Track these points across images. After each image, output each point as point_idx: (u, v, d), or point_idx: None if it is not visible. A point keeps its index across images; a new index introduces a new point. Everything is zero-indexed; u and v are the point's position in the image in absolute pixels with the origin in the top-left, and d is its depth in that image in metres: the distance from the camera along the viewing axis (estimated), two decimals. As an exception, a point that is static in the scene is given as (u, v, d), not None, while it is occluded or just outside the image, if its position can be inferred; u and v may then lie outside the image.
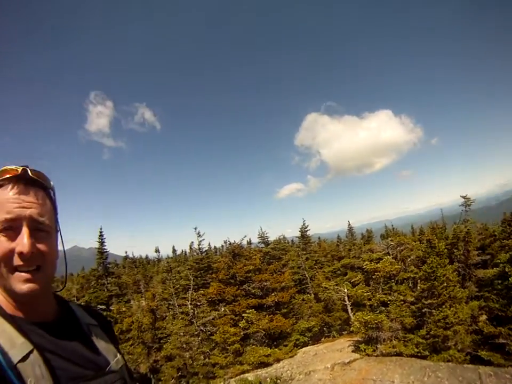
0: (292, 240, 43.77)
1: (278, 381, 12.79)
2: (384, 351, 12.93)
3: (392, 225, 53.36)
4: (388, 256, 19.50)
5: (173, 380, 17.22)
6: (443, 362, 11.53)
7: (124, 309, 24.55)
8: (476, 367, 10.74)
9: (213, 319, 20.15)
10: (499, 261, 15.68)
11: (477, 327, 14.36)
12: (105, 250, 27.94)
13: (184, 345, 18.41)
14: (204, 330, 20.09)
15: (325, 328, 19.67)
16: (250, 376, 14.21)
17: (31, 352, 1.06)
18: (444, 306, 12.84)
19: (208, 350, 18.60)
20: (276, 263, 23.32)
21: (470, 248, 20.62)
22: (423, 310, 13.51)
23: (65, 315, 1.22)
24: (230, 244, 25.74)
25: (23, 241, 1.11)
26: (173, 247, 52.96)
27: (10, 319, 1.12)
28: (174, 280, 25.58)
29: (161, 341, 20.62)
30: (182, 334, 18.85)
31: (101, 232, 27.90)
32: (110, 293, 26.03)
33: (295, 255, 28.25)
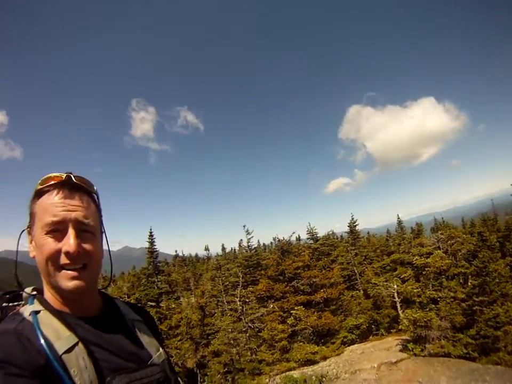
0: (341, 236, 42.97)
1: (323, 379, 12.61)
2: (432, 351, 12.39)
3: (442, 218, 51.64)
4: (438, 251, 18.63)
5: (219, 375, 17.53)
6: (492, 365, 10.80)
7: (173, 306, 25.34)
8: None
9: (261, 315, 20.34)
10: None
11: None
12: (155, 250, 29.08)
13: (232, 341, 18.72)
14: (252, 326, 20.34)
15: (373, 326, 19.12)
16: (295, 373, 14.14)
17: (76, 344, 1.10)
18: (495, 304, 12.02)
19: (255, 347, 18.84)
20: (325, 259, 23.08)
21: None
22: (474, 308, 12.77)
23: (110, 311, 1.36)
24: (279, 240, 25.79)
25: (70, 242, 1.15)
26: (222, 245, 53.80)
27: (57, 314, 1.17)
28: (223, 278, 26.04)
29: (209, 337, 21.11)
30: (230, 330, 19.14)
31: (150, 232, 29.12)
32: (160, 291, 26.95)
33: (344, 250, 27.79)
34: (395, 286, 18.46)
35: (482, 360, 11.54)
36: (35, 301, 1.23)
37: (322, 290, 20.01)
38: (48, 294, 1.25)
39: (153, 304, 24.07)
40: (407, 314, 13.75)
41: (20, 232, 1.31)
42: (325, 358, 15.52)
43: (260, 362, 17.36)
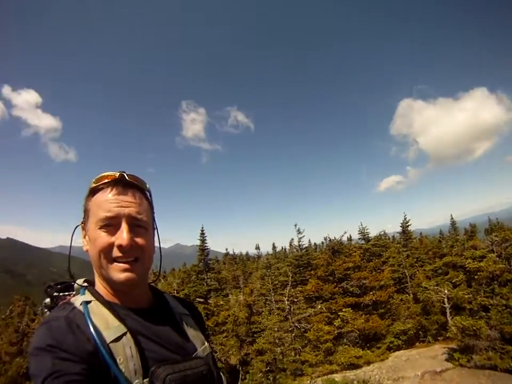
0: (393, 236, 41.52)
1: (365, 384, 12.21)
2: (478, 363, 11.55)
3: (497, 219, 48.87)
4: (492, 254, 17.35)
5: (260, 374, 17.65)
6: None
7: (221, 303, 25.94)
8: None
9: (308, 316, 20.28)
10: None
11: None
12: (206, 248, 29.86)
13: (277, 341, 18.75)
14: (298, 327, 20.32)
15: (420, 332, 18.23)
16: (337, 377, 13.95)
17: (124, 334, 1.16)
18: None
19: (299, 347, 18.81)
20: (376, 260, 22.45)
21: None
22: (526, 318, 11.71)
23: (159, 304, 1.43)
24: (330, 240, 25.41)
25: (123, 236, 1.21)
26: (273, 244, 54.04)
27: (107, 304, 1.23)
28: (273, 276, 26.16)
29: (255, 335, 21.25)
30: (276, 329, 19.19)
31: (202, 230, 29.98)
32: (209, 287, 27.62)
33: (395, 252, 26.67)
34: (446, 291, 17.51)
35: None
36: (86, 291, 1.30)
37: (371, 293, 19.55)
38: (100, 286, 1.32)
39: (201, 300, 24.69)
40: (456, 322, 13.00)
41: (74, 227, 1.39)
42: (368, 363, 15.11)
43: (302, 363, 17.34)
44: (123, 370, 1.09)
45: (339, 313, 18.37)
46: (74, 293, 1.41)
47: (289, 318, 20.56)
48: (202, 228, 30.20)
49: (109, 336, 1.13)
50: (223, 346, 19.70)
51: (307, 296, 21.98)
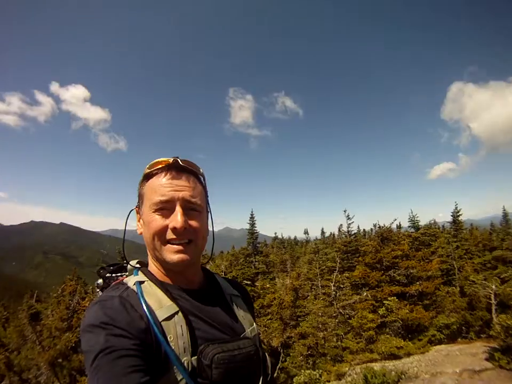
0: (443, 226, 39.46)
1: (403, 376, 11.90)
2: (518, 365, 10.74)
3: None
4: None
5: (301, 357, 17.83)
6: None
7: (267, 286, 26.26)
8: None
9: (353, 302, 20.06)
10: None
11: None
12: (255, 231, 30.17)
13: (320, 326, 18.79)
14: (343, 313, 20.16)
15: (463, 327, 17.30)
16: (376, 366, 13.65)
17: (176, 313, 1.19)
18: None
19: (342, 333, 18.74)
20: (425, 249, 21.63)
21: None
22: None
23: (210, 285, 1.48)
24: (379, 227, 24.75)
25: (177, 218, 1.23)
26: (322, 229, 53.61)
27: (160, 285, 1.27)
28: (320, 262, 26.02)
29: (299, 319, 21.39)
30: (320, 314, 19.22)
31: (252, 214, 30.27)
32: (257, 270, 27.96)
33: (445, 242, 25.33)
34: (493, 286, 16.47)
35: None
36: (139, 272, 1.34)
37: (418, 283, 18.90)
38: (153, 267, 1.37)
39: (248, 282, 25.16)
40: (500, 320, 12.18)
41: (128, 211, 1.44)
42: (408, 355, 14.65)
43: (343, 350, 17.24)
44: (173, 347, 1.11)
45: (384, 301, 17.90)
46: (127, 273, 1.47)
47: (334, 303, 20.41)
48: (252, 212, 30.54)
49: (161, 314, 1.15)
50: (266, 328, 19.96)
51: (353, 283, 21.66)
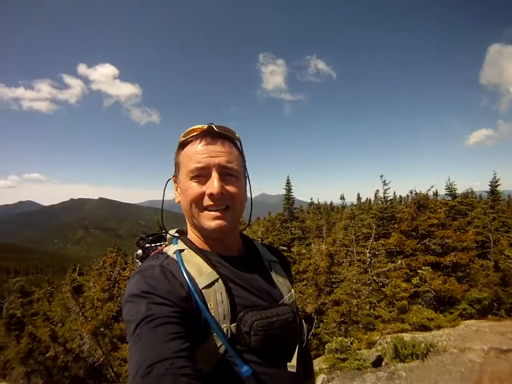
0: (480, 195, 37.50)
1: (432, 348, 11.88)
2: (547, 348, 10.37)
3: None
4: None
5: (333, 324, 18.02)
6: None
7: (303, 251, 26.34)
8: None
9: (387, 270, 19.89)
10: None
11: None
12: (291, 197, 30.07)
13: (354, 293, 18.87)
14: (377, 280, 20.08)
15: (495, 304, 16.72)
16: (406, 336, 13.65)
17: (216, 281, 1.20)
18: None
19: (375, 301, 18.73)
20: (461, 219, 20.82)
21: None
22: None
23: (249, 251, 1.48)
24: (415, 194, 23.97)
25: (213, 184, 1.22)
26: (358, 194, 52.36)
27: (200, 252, 1.28)
28: (356, 228, 25.79)
29: (333, 285, 21.49)
30: (354, 281, 19.26)
31: (288, 180, 30.01)
32: (293, 236, 28.06)
33: (481, 212, 24.17)
34: (529, 263, 15.81)
35: None
36: (179, 241, 1.36)
37: (453, 254, 18.31)
38: (192, 235, 1.38)
39: (284, 248, 25.37)
40: (533, 299, 11.81)
41: (166, 181, 1.45)
42: (439, 327, 14.47)
43: (375, 318, 17.23)
44: (213, 314, 1.12)
45: (418, 271, 17.57)
46: (166, 243, 1.47)
47: (369, 271, 20.32)
48: (288, 177, 30.34)
49: (201, 282, 1.17)
50: (301, 295, 20.26)
51: (388, 250, 21.34)
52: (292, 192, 29.92)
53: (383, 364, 11.64)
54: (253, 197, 1.47)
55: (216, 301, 1.14)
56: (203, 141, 1.27)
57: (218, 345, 1.10)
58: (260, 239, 24.18)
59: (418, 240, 20.19)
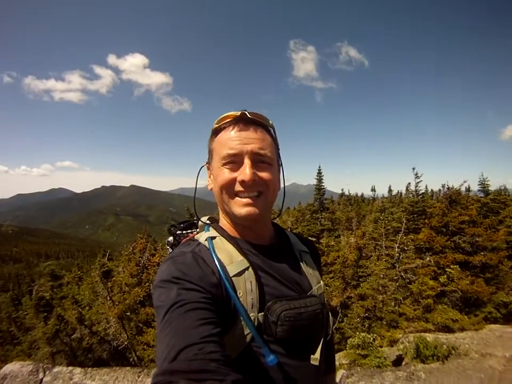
0: None
1: (453, 351, 12.05)
2: None
3: None
4: None
5: (357, 319, 18.10)
6: None
7: (332, 243, 26.27)
8: None
9: (415, 267, 19.76)
10: None
11: None
12: (322, 187, 29.87)
13: (380, 288, 18.80)
14: (404, 277, 20.01)
15: None
16: (429, 336, 13.78)
17: (246, 269, 1.20)
18: None
19: (400, 298, 18.61)
20: (492, 217, 20.44)
21: None
22: None
23: (280, 241, 1.49)
24: (448, 188, 23.57)
25: (245, 171, 1.23)
26: (389, 187, 51.02)
27: (231, 240, 1.30)
28: (386, 221, 25.49)
29: (360, 279, 21.42)
30: (381, 276, 19.16)
31: (319, 170, 29.80)
32: (322, 227, 28.05)
33: None
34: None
35: None
36: (211, 228, 1.38)
37: (482, 253, 18.12)
38: (224, 222, 1.40)
39: (313, 239, 25.31)
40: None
41: (199, 168, 1.46)
42: (462, 329, 14.51)
43: (400, 316, 17.25)
44: (242, 303, 1.14)
45: (446, 269, 17.50)
46: (197, 230, 1.50)
47: (397, 266, 20.25)
48: (319, 167, 30.09)
49: (232, 270, 1.19)
50: (327, 287, 20.31)
51: (417, 246, 21.21)
52: (323, 183, 29.75)
53: (403, 363, 11.86)
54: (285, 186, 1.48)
55: (246, 290, 1.17)
56: (236, 127, 1.29)
57: (246, 333, 1.13)
58: (289, 229, 24.35)
59: (448, 237, 20.03)
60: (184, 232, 1.55)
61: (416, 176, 25.88)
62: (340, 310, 20.07)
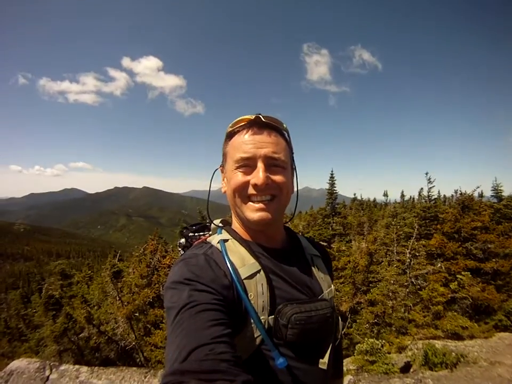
0: None
1: (462, 359, 11.99)
2: None
3: None
4: None
5: (366, 325, 18.05)
6: None
7: (343, 248, 26.18)
8: None
9: (426, 273, 19.62)
10: None
11: None
12: (334, 191, 29.86)
13: (390, 294, 18.77)
14: (414, 283, 19.89)
15: None
16: (438, 343, 13.70)
17: (258, 272, 1.22)
18: None
19: (410, 304, 18.54)
20: (505, 224, 20.20)
21: None
22: None
23: (292, 244, 1.51)
24: (460, 194, 23.40)
25: (258, 175, 1.23)
26: (402, 192, 50.68)
27: (244, 243, 1.31)
28: (398, 226, 25.44)
29: (370, 285, 21.28)
30: (392, 282, 19.12)
31: (332, 174, 29.80)
32: (334, 232, 28.02)
33: None
34: None
35: None
36: (223, 231, 1.40)
37: (494, 260, 17.98)
38: (236, 225, 1.42)
39: (324, 244, 25.24)
40: None
41: (212, 171, 1.47)
42: (471, 337, 14.39)
43: (409, 322, 17.20)
44: (253, 305, 1.15)
45: (457, 275, 17.34)
46: (210, 233, 1.52)
47: (408, 272, 20.17)
48: (332, 171, 30.08)
49: (244, 272, 1.20)
50: (337, 292, 20.26)
51: (429, 252, 21.09)
52: (335, 187, 29.71)
53: (411, 370, 11.83)
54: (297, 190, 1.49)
55: (257, 292, 1.18)
56: (250, 131, 1.30)
57: (256, 336, 1.15)
58: (300, 233, 24.32)
59: (460, 243, 19.91)
60: (196, 234, 1.58)
61: (429, 181, 25.79)
62: (349, 316, 19.97)
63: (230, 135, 1.36)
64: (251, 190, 1.26)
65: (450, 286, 17.32)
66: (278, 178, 1.28)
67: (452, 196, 44.05)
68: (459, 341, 14.29)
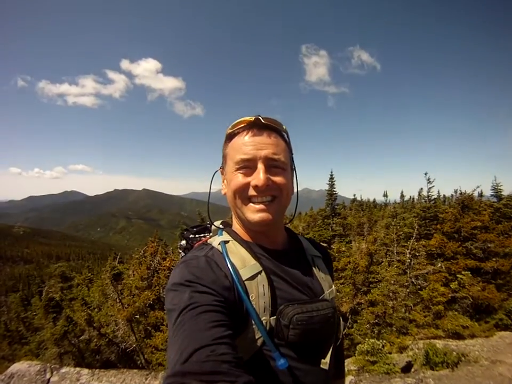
0: None
1: (463, 358, 11.98)
2: None
3: None
4: None
5: (367, 325, 18.04)
6: None
7: (343, 249, 26.16)
8: None
9: (426, 273, 19.64)
10: None
11: None
12: (334, 192, 29.81)
13: (391, 294, 18.73)
14: (415, 283, 19.89)
15: None
16: (439, 343, 13.71)
17: (259, 273, 1.22)
18: None
19: (411, 304, 18.54)
20: (505, 223, 20.22)
21: None
22: None
23: (292, 245, 1.50)
24: (460, 193, 23.41)
25: (259, 176, 1.23)
26: (401, 192, 50.62)
27: (245, 244, 1.31)
28: (398, 227, 25.38)
29: (370, 285, 21.24)
30: (392, 282, 19.08)
31: (331, 175, 29.77)
32: (334, 233, 27.98)
33: None
34: None
35: None
36: (224, 232, 1.40)
37: (494, 259, 18.00)
38: (237, 226, 1.41)
39: (325, 245, 25.13)
40: None
41: (212, 173, 1.47)
42: (472, 336, 14.40)
43: (410, 322, 17.22)
44: (254, 306, 1.15)
45: (457, 275, 17.35)
46: (211, 234, 1.51)
47: (408, 272, 20.16)
48: (331, 172, 30.02)
49: (245, 274, 1.19)
50: (338, 293, 20.18)
51: (429, 252, 21.08)
52: (334, 188, 29.66)
53: (412, 370, 11.83)
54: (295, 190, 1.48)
55: (258, 293, 1.17)
56: (250, 132, 1.30)
57: (257, 337, 1.14)
58: (301, 234, 24.32)
59: (460, 242, 19.92)
60: (197, 236, 1.57)
61: (429, 181, 25.74)
62: (349, 316, 19.95)
63: (229, 137, 1.36)
64: (251, 191, 1.26)
65: (451, 285, 17.33)
66: (278, 179, 1.28)
67: (452, 195, 44.04)
68: (460, 340, 14.28)
